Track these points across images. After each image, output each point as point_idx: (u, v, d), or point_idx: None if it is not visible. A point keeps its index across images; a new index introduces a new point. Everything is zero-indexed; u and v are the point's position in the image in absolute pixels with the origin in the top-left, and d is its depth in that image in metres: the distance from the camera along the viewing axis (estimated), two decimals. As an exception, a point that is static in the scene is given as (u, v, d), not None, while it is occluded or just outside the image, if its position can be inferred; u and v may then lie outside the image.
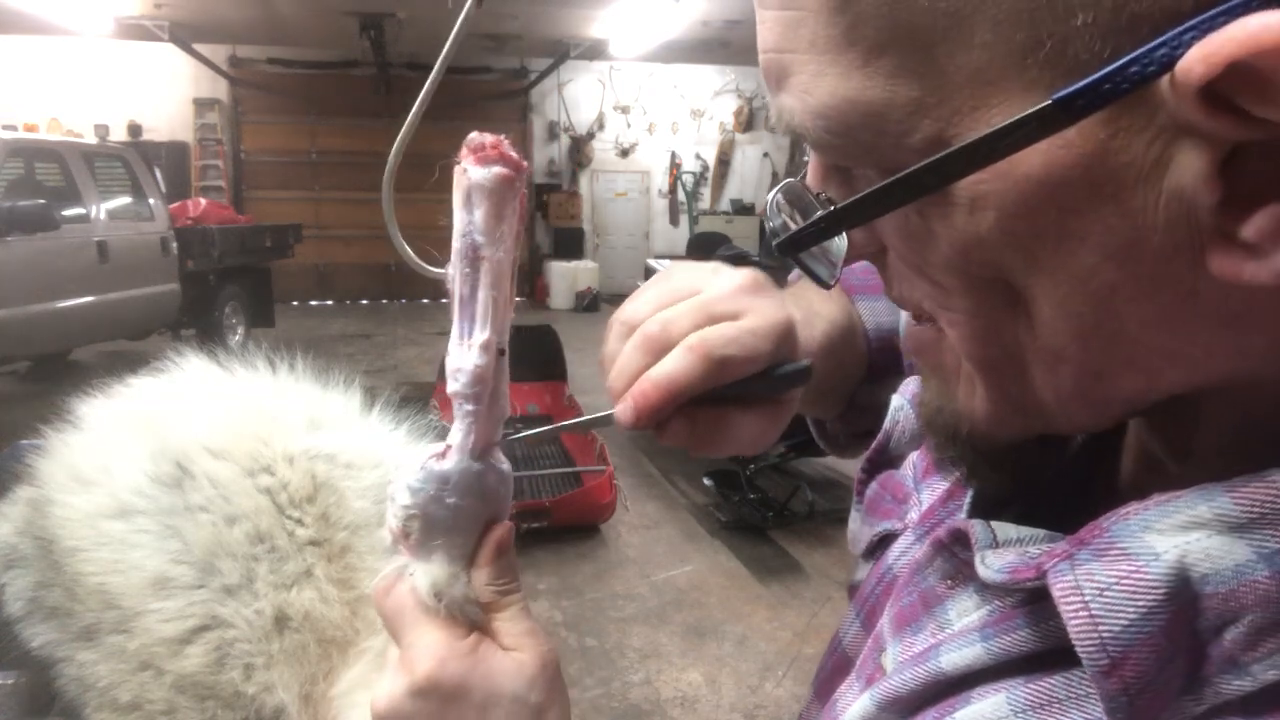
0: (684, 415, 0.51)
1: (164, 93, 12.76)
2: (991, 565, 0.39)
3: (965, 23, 0.30)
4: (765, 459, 4.96)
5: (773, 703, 3.24)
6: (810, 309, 0.68)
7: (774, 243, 0.40)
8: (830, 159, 0.39)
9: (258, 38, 12.26)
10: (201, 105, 13.01)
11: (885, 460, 0.62)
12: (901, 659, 0.44)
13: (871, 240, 0.41)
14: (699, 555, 4.50)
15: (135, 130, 12.62)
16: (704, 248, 6.76)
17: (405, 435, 0.71)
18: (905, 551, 0.53)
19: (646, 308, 0.53)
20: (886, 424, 0.63)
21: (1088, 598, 0.33)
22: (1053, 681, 0.36)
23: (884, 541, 0.57)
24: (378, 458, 0.68)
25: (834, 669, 0.56)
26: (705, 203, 14.86)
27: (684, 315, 0.51)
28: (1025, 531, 0.40)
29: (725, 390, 0.50)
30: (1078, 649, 0.33)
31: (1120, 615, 0.32)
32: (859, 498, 0.62)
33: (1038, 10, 0.29)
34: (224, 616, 0.60)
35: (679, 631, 3.72)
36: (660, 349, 0.50)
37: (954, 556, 0.43)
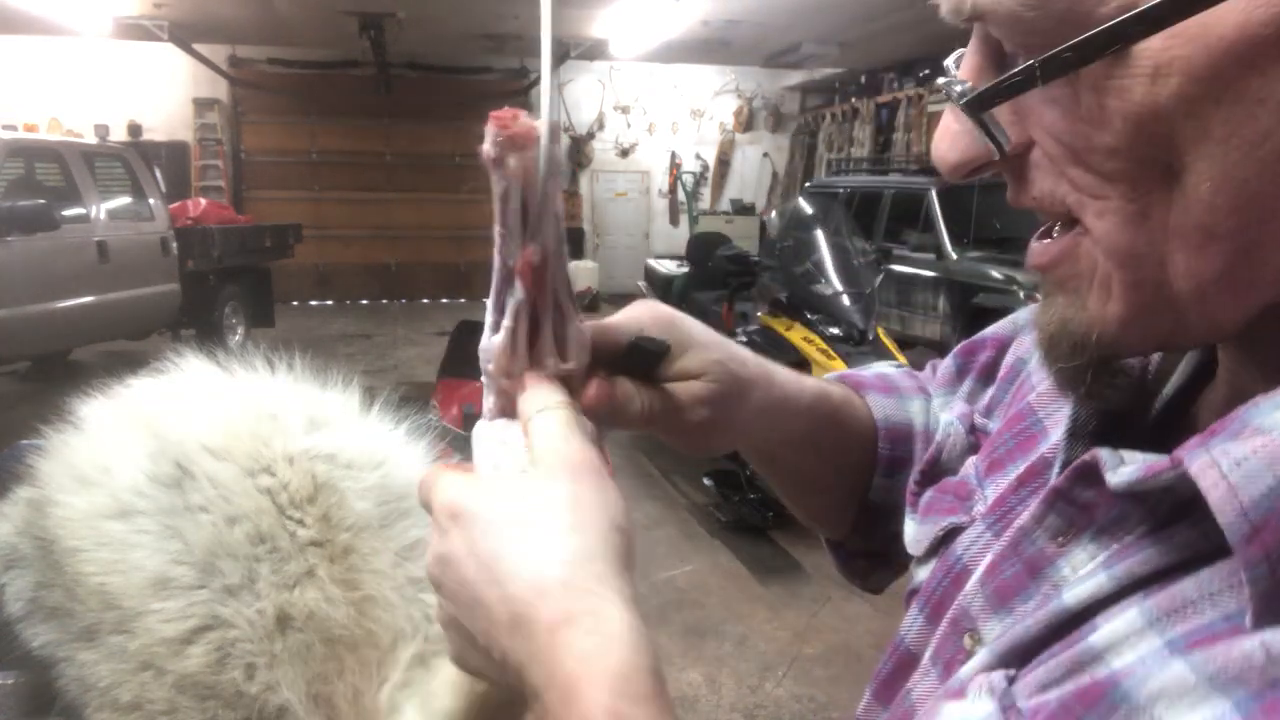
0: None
1: (164, 93, 12.74)
2: (1123, 473, 0.39)
3: None
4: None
5: (773, 703, 3.24)
6: (789, 375, 0.67)
7: (962, 100, 0.41)
8: (1015, 37, 0.39)
9: (258, 38, 12.25)
10: (201, 105, 12.98)
11: (937, 472, 0.62)
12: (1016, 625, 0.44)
13: (1022, 135, 0.41)
14: (699, 555, 4.50)
15: (135, 130, 12.60)
16: (704, 247, 6.74)
17: (405, 435, 0.71)
18: (975, 541, 0.53)
19: None
20: (938, 438, 0.64)
21: (1225, 470, 0.34)
22: (1181, 586, 0.36)
23: (947, 537, 0.57)
24: (378, 458, 0.68)
25: (896, 668, 0.56)
26: (705, 203, 14.83)
27: None
28: (1150, 456, 0.40)
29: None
30: (1219, 519, 0.33)
31: (1259, 481, 0.33)
32: (912, 508, 0.62)
33: None
34: (225, 617, 0.60)
35: (679, 631, 3.72)
36: None
37: (1071, 504, 0.43)
